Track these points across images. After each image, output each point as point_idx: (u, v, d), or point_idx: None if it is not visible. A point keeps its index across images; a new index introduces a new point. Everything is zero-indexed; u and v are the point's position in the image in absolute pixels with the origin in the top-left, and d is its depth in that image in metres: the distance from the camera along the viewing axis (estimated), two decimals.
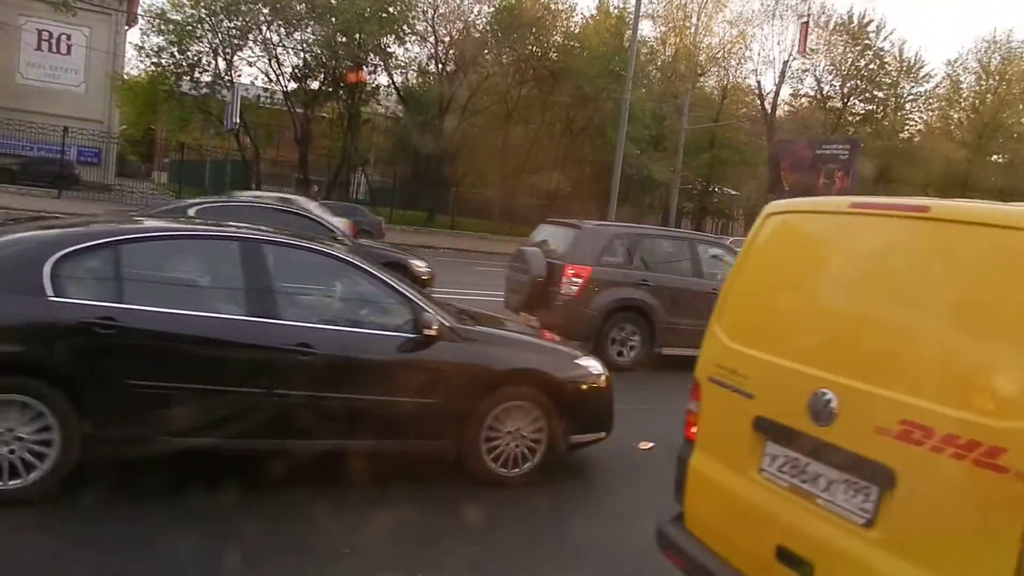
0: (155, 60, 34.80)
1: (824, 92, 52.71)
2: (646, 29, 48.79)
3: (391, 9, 36.22)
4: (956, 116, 56.22)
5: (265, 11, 35.08)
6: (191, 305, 4.97)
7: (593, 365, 6.18)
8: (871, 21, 50.08)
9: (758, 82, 50.92)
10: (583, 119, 44.47)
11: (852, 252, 3.10)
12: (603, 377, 6.13)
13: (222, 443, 4.96)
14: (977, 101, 55.00)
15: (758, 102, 51.94)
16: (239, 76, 38.13)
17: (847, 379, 2.85)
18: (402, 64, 41.79)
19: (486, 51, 41.37)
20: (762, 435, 3.20)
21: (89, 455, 4.60)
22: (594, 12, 48.11)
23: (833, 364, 2.92)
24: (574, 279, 10.38)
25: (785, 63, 49.15)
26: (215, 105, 37.21)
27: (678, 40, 50.44)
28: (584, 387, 5.98)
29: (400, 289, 5.54)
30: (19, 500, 4.43)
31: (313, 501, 5.03)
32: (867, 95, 52.63)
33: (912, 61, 52.89)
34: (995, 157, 54.88)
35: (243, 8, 34.54)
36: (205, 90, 36.32)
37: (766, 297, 3.44)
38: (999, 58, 53.66)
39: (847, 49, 50.30)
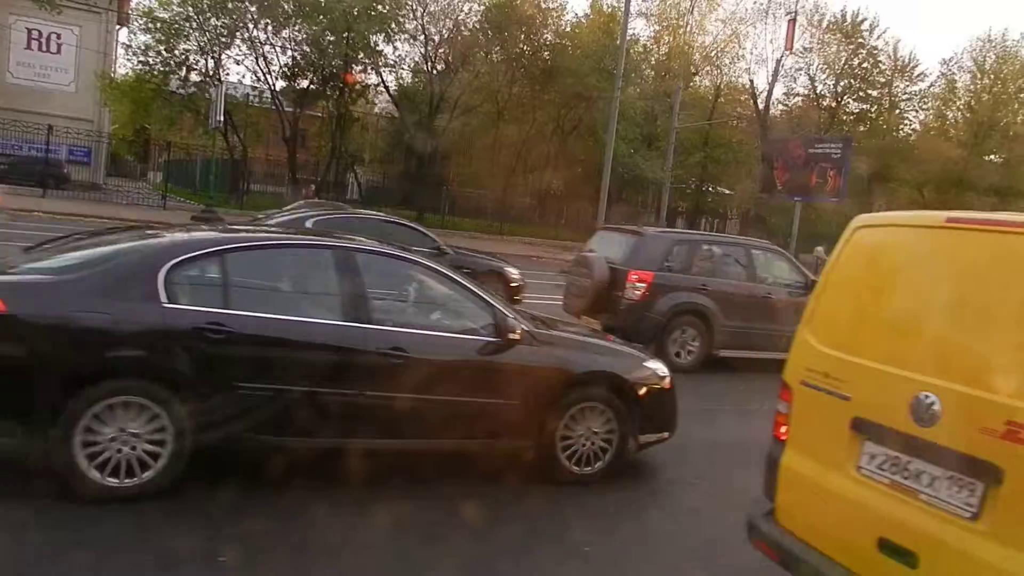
0: (142, 59, 34.88)
1: (818, 91, 53.25)
2: (639, 27, 49.32)
3: (380, 7, 36.36)
4: (952, 115, 56.91)
5: (252, 8, 35.22)
6: (291, 311, 5.29)
7: (659, 367, 6.51)
8: (864, 19, 50.70)
9: (751, 81, 51.51)
10: (575, 118, 44.81)
11: (949, 264, 3.36)
12: (668, 379, 6.46)
13: (319, 442, 5.30)
14: (972, 100, 55.68)
15: (751, 101, 52.25)
16: (227, 75, 38.29)
17: (949, 383, 3.12)
18: (392, 63, 41.91)
19: (477, 49, 41.59)
20: (860, 435, 3.47)
21: (197, 453, 4.88)
22: (587, 11, 48.66)
23: (934, 369, 3.19)
24: (637, 284, 11.06)
25: (778, 61, 49.57)
26: (203, 104, 37.24)
27: (672, 39, 50.79)
28: (651, 388, 6.30)
29: (481, 294, 5.88)
30: (135, 496, 4.70)
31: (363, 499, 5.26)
32: (861, 94, 53.25)
33: (906, 60, 53.65)
34: (991, 156, 55.36)
35: (230, 6, 34.66)
36: (193, 89, 36.40)
37: (859, 305, 3.70)
38: (994, 57, 54.38)
39: (840, 48, 50.83)
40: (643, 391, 6.21)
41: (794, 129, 50.59)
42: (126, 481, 4.68)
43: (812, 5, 49.98)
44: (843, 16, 50.60)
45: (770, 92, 51.37)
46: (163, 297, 4.79)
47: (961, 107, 56.27)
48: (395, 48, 42.06)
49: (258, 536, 4.60)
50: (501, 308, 5.81)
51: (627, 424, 6.06)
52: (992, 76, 54.38)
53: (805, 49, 51.60)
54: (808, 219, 55.83)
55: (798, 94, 54.25)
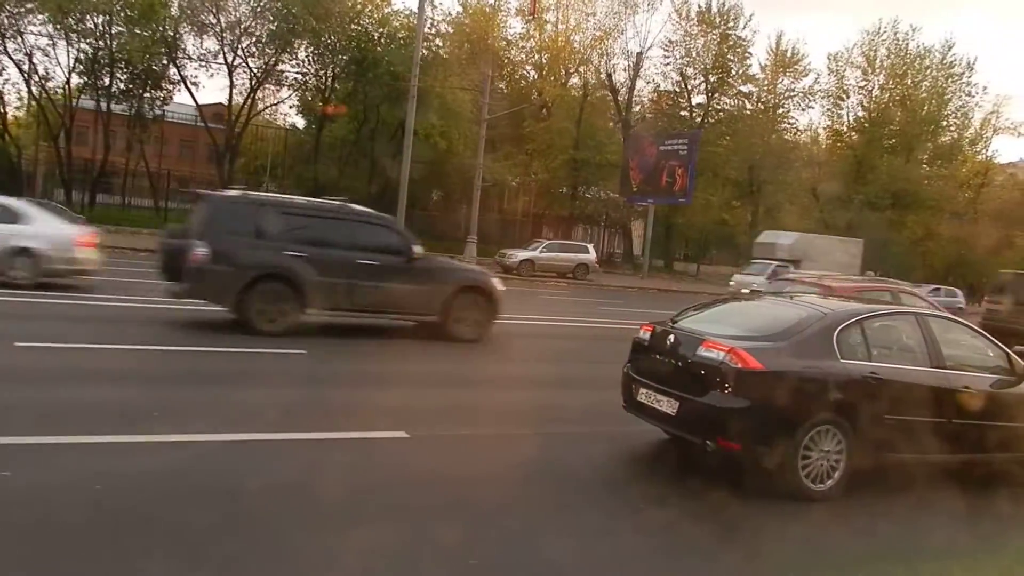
0: None
1: (688, 87, 51.89)
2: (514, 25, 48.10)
3: None
4: (843, 113, 55.41)
5: None
6: (903, 361, 7.42)
7: None
8: (731, 8, 49.37)
9: (609, 76, 49.84)
10: (400, 113, 43.46)
11: None
12: None
13: (930, 458, 7.34)
14: (864, 98, 54.16)
15: (612, 98, 50.90)
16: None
17: None
18: (192, 58, 41.09)
19: (288, 40, 40.63)
20: None
21: (856, 468, 6.86)
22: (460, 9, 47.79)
23: None
24: None
25: (639, 55, 48.38)
26: None
27: (538, 34, 49.85)
28: None
29: (994, 341, 8.03)
30: (820, 498, 6.69)
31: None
32: (732, 89, 51.85)
33: (789, 54, 52.16)
34: (892, 157, 53.45)
35: None
36: None
37: None
38: (885, 51, 52.83)
39: (708, 40, 49.53)
40: None
41: (666, 128, 49.16)
42: (822, 485, 6.73)
43: None
44: (708, 7, 49.42)
45: (632, 88, 50.00)
46: (837, 354, 6.88)
47: (852, 105, 54.74)
48: (199, 43, 40.75)
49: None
50: (1007, 350, 7.97)
51: None
52: (884, 73, 52.84)
53: (672, 42, 50.53)
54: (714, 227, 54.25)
55: (668, 91, 52.76)
